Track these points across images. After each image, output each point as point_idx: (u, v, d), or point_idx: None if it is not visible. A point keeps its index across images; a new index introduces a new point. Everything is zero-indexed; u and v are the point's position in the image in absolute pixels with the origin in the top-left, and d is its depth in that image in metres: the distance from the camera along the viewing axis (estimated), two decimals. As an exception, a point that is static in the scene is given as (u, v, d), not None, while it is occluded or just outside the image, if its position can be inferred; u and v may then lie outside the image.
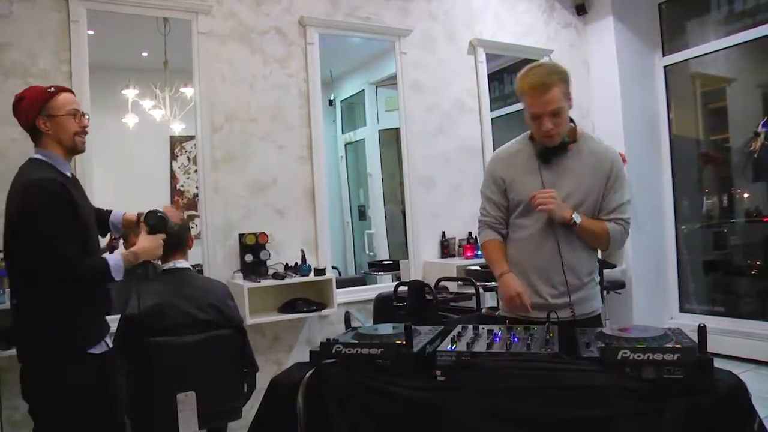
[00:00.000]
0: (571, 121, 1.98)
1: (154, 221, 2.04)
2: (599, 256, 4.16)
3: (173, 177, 3.96)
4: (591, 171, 1.96)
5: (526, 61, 5.00)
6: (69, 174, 1.98)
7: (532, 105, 1.88)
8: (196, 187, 3.48)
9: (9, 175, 2.87)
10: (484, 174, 2.17)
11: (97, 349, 1.91)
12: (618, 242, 2.02)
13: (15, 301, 1.87)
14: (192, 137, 3.53)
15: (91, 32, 3.09)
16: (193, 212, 3.66)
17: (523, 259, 2.00)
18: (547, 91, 1.84)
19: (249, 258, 3.33)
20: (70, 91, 2.00)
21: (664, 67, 4.93)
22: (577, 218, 1.90)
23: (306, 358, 1.61)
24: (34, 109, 1.92)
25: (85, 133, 1.99)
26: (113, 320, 2.48)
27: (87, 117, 1.99)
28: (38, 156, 1.94)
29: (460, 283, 3.49)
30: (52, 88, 1.96)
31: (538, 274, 1.98)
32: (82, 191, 2.03)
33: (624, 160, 4.61)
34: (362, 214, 5.11)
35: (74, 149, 1.97)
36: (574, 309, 1.97)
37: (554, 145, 1.94)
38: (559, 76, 1.88)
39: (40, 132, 1.93)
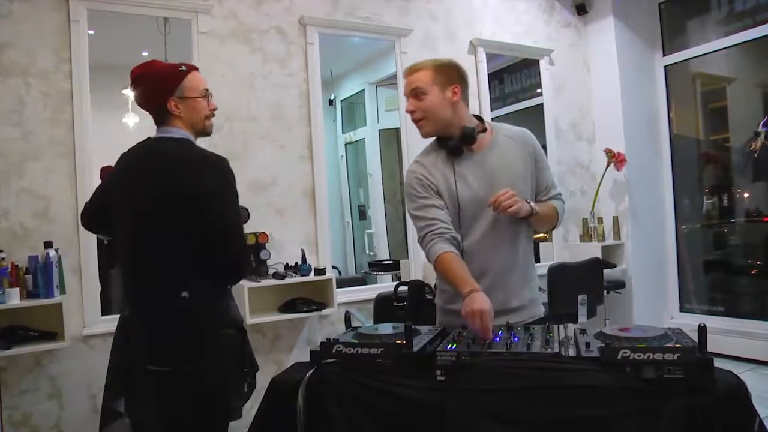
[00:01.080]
0: (479, 119, 1.94)
1: None
2: (599, 255, 4.14)
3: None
4: (515, 157, 1.91)
5: (527, 61, 5.04)
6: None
7: (404, 89, 1.92)
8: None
9: (8, 175, 2.89)
10: (406, 191, 1.93)
11: None
12: (562, 217, 2.02)
13: (185, 294, 1.69)
14: (192, 137, 3.53)
15: (91, 32, 3.10)
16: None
17: (480, 265, 1.83)
18: (412, 72, 1.87)
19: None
20: (197, 69, 1.85)
21: (665, 66, 4.93)
22: (536, 207, 1.83)
23: (306, 358, 1.61)
24: (168, 89, 1.75)
25: (214, 115, 1.87)
26: (113, 320, 2.49)
27: (212, 97, 1.86)
28: (180, 135, 1.77)
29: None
30: (184, 67, 1.80)
31: (492, 281, 1.83)
32: None
33: (624, 160, 4.67)
34: (362, 213, 5.11)
35: (203, 132, 1.85)
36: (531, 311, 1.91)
37: (454, 137, 1.85)
38: (434, 63, 1.87)
39: (170, 113, 1.76)
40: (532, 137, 1.98)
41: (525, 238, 1.93)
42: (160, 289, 1.72)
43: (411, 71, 1.88)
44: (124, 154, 1.86)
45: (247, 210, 1.99)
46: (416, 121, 1.90)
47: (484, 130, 1.91)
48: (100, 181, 3.10)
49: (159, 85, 1.76)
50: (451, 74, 1.88)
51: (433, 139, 1.97)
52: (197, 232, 1.68)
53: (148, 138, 1.82)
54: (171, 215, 1.67)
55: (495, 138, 1.92)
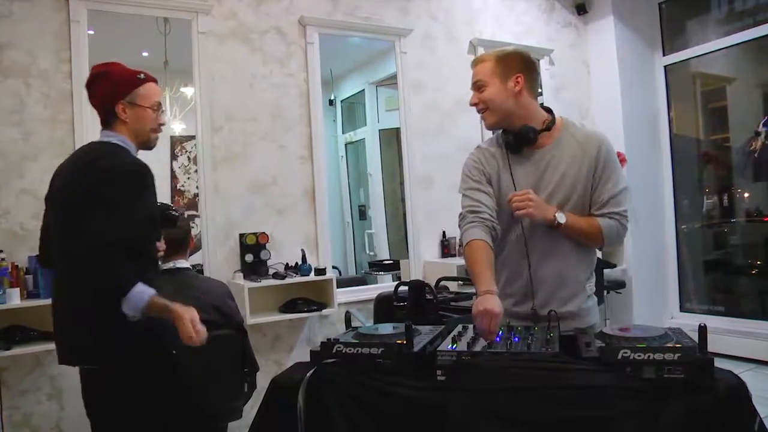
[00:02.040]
0: (549, 111, 1.84)
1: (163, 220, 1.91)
2: (599, 255, 4.14)
3: (173, 177, 3.96)
4: (574, 161, 1.76)
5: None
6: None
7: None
8: (197, 187, 3.48)
9: (9, 175, 2.89)
10: (462, 173, 1.92)
11: None
12: (614, 239, 1.79)
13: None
14: (192, 137, 3.53)
15: (91, 32, 3.10)
16: (193, 212, 3.66)
17: (502, 269, 1.80)
18: (476, 64, 1.85)
19: (249, 258, 3.33)
20: (156, 81, 1.83)
21: (665, 66, 4.94)
22: (561, 218, 1.70)
23: (306, 358, 1.61)
24: (119, 92, 1.75)
25: (160, 130, 1.85)
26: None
27: (164, 113, 1.83)
28: (116, 140, 1.75)
29: (461, 282, 3.49)
30: (142, 75, 1.80)
31: (524, 287, 1.78)
32: None
33: (624, 160, 4.67)
34: (362, 213, 5.11)
35: (147, 144, 1.83)
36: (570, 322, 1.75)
37: (514, 131, 1.79)
38: (496, 54, 1.83)
39: (116, 117, 1.76)
40: (602, 142, 1.79)
41: (569, 248, 1.79)
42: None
43: (474, 63, 1.86)
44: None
45: (175, 216, 1.89)
46: (480, 113, 1.85)
47: (550, 127, 1.80)
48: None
49: (113, 87, 1.75)
50: (513, 64, 1.80)
51: (496, 134, 1.92)
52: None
53: (90, 142, 1.82)
54: (77, 216, 1.62)
55: (560, 137, 1.80)
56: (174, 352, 1.74)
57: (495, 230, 1.76)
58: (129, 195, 1.63)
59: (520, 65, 1.81)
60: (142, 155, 1.84)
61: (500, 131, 1.88)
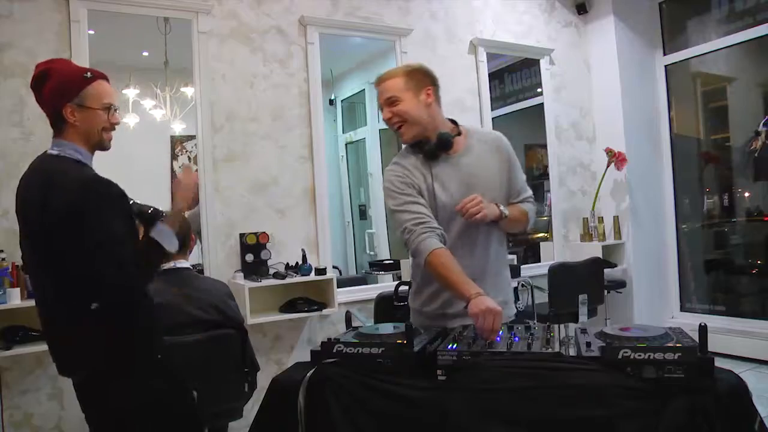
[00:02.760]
0: (453, 122, 1.97)
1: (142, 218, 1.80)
2: (599, 254, 4.14)
3: (174, 177, 3.96)
4: (488, 160, 1.92)
5: (527, 61, 5.04)
6: None
7: (378, 99, 1.92)
8: (197, 187, 3.48)
9: (9, 175, 2.89)
10: (385, 195, 1.91)
11: None
12: (533, 220, 2.01)
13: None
14: (192, 137, 3.53)
15: (91, 32, 3.10)
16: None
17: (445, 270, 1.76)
18: (382, 81, 1.89)
19: (250, 257, 3.33)
20: (107, 78, 1.69)
21: (665, 66, 4.93)
22: (505, 211, 1.86)
23: (307, 358, 1.61)
24: (66, 95, 1.61)
25: (113, 129, 1.71)
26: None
27: (117, 111, 1.71)
28: (70, 152, 1.64)
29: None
30: (89, 74, 1.65)
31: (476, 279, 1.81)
32: None
33: (624, 160, 4.67)
34: (363, 213, 5.11)
35: (100, 145, 1.70)
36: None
37: (431, 141, 1.86)
38: (404, 70, 1.90)
39: (65, 121, 1.62)
40: (506, 141, 1.99)
41: (497, 241, 1.94)
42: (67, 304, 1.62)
43: (381, 81, 1.90)
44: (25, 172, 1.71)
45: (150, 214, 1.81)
46: (397, 128, 1.91)
47: (459, 133, 1.94)
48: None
49: (59, 89, 1.61)
50: (420, 77, 1.90)
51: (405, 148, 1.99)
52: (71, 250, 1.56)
53: (43, 153, 1.69)
54: (51, 233, 1.58)
55: (469, 142, 1.94)
56: (159, 356, 1.71)
57: (443, 238, 1.80)
58: (105, 216, 1.57)
59: (427, 79, 1.92)
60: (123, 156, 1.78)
61: (406, 145, 1.97)
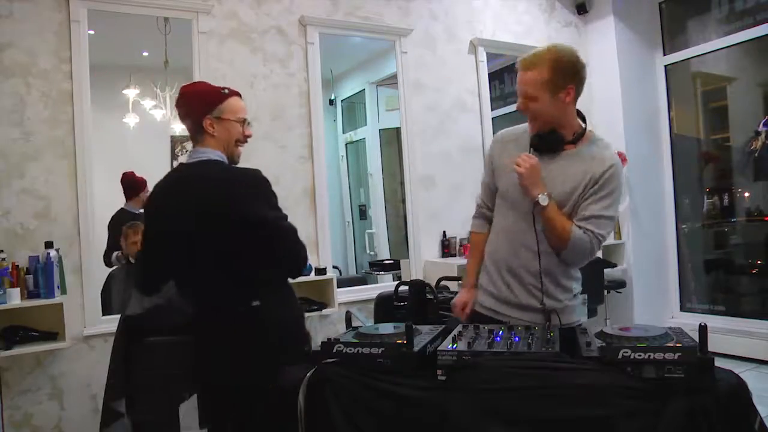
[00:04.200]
0: (583, 120, 1.84)
1: None
2: (599, 254, 4.12)
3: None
4: (579, 173, 1.77)
5: (527, 61, 4.99)
6: None
7: (517, 81, 1.78)
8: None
9: (9, 175, 2.89)
10: (486, 156, 2.07)
11: None
12: (578, 253, 1.77)
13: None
14: (192, 137, 3.53)
15: (91, 32, 3.10)
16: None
17: (499, 253, 1.90)
18: (526, 69, 1.75)
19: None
20: (240, 95, 1.95)
21: (665, 66, 4.93)
22: (543, 200, 1.72)
23: (307, 358, 1.61)
24: (205, 108, 1.83)
25: (246, 141, 1.92)
26: (113, 320, 2.49)
27: (250, 125, 1.93)
28: (215, 157, 1.82)
29: (461, 282, 3.49)
30: (227, 90, 1.90)
31: (511, 273, 1.85)
32: None
33: (624, 159, 4.66)
34: (363, 213, 5.11)
35: (231, 158, 1.88)
36: (550, 315, 1.80)
37: (544, 134, 1.79)
38: (551, 61, 1.72)
39: (204, 132, 1.82)
40: (610, 165, 1.76)
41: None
42: (229, 303, 1.79)
43: (525, 67, 1.75)
44: (159, 183, 1.88)
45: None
46: (530, 120, 1.83)
47: (576, 141, 1.81)
48: (100, 181, 3.11)
49: (198, 103, 1.83)
50: (567, 74, 1.74)
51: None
52: (245, 243, 1.75)
53: (181, 164, 1.90)
54: (215, 233, 1.73)
55: (581, 148, 1.81)
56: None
57: (490, 218, 2.00)
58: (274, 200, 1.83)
59: (573, 75, 1.75)
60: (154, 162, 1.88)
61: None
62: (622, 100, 4.75)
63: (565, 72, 1.74)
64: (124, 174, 3.45)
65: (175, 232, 1.78)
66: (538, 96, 1.74)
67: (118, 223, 3.27)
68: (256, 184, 1.79)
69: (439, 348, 1.46)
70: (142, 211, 2.20)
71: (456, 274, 3.66)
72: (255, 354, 1.74)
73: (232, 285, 1.78)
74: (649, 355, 1.27)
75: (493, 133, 4.36)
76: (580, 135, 1.82)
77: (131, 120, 3.68)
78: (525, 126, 1.90)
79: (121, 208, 3.42)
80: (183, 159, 1.92)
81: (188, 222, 1.74)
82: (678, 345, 1.29)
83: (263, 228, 1.77)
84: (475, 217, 2.05)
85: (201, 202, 1.74)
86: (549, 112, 1.77)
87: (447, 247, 4.12)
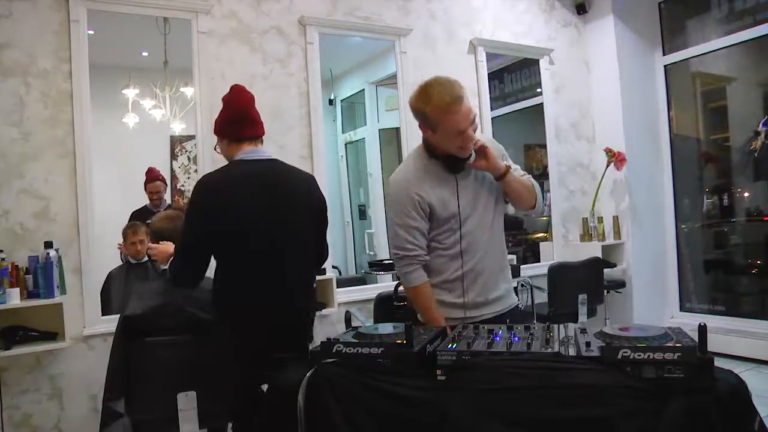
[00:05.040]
0: None
1: None
2: (599, 254, 4.13)
3: (174, 177, 3.95)
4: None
5: (527, 60, 5.03)
6: None
7: (456, 120, 1.81)
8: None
9: (9, 175, 2.89)
10: (393, 205, 1.99)
11: None
12: (540, 194, 2.08)
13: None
14: (192, 137, 3.53)
15: (91, 32, 3.09)
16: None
17: (451, 270, 1.98)
18: (462, 101, 1.82)
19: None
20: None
21: (665, 66, 4.93)
22: (512, 165, 1.99)
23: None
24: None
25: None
26: (113, 320, 2.49)
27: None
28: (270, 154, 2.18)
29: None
30: None
31: (472, 281, 1.99)
32: None
33: (624, 160, 4.67)
34: (362, 213, 5.11)
35: None
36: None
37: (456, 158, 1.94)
38: (462, 88, 1.86)
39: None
40: (491, 142, 2.06)
41: (499, 239, 2.07)
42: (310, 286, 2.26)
43: (461, 101, 1.83)
44: (240, 175, 2.05)
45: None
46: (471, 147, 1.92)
47: None
48: (99, 181, 3.11)
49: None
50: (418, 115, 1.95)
51: (421, 148, 2.01)
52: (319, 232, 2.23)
53: (270, 160, 2.14)
54: (310, 222, 2.16)
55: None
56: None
57: (427, 266, 2.01)
58: None
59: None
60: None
61: (422, 150, 2.01)
62: (621, 100, 4.75)
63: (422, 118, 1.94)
64: (150, 170, 3.58)
65: (266, 224, 2.02)
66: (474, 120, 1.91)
67: (141, 219, 3.36)
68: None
69: (438, 348, 1.47)
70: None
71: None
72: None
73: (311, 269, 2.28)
74: (649, 355, 1.27)
75: (493, 134, 4.39)
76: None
77: (131, 120, 3.67)
78: (413, 157, 2.03)
79: (145, 205, 3.50)
80: (242, 157, 2.07)
81: (292, 213, 2.07)
82: (678, 345, 1.29)
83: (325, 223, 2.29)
84: (412, 270, 1.96)
85: (306, 195, 2.15)
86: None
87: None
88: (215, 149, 2.20)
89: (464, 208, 1.96)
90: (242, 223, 1.99)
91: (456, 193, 1.96)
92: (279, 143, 3.60)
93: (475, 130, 1.89)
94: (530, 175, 2.10)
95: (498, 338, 1.53)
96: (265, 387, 1.92)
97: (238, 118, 2.11)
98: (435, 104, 1.82)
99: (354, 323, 1.82)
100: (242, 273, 2.04)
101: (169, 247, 2.22)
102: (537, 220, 4.92)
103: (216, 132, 2.17)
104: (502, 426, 1.30)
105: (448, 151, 1.93)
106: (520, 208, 2.09)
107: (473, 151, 1.93)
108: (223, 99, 2.18)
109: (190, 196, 2.22)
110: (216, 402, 2.23)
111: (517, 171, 2.05)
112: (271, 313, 2.04)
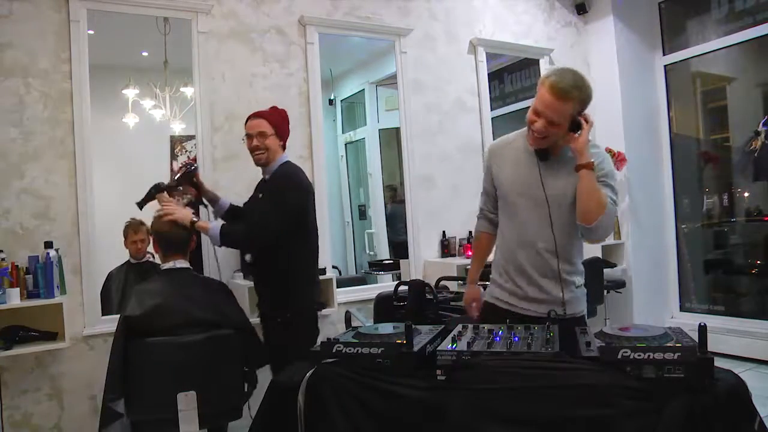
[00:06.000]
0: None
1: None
2: (599, 254, 4.12)
3: (173, 177, 3.96)
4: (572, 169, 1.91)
5: (527, 61, 5.03)
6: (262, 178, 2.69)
7: (543, 102, 1.81)
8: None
9: (9, 175, 2.89)
10: (486, 162, 2.20)
11: None
12: (611, 217, 1.87)
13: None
14: (192, 137, 3.53)
15: (91, 32, 3.09)
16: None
17: (511, 252, 1.99)
18: (564, 99, 1.79)
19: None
20: (253, 116, 2.60)
21: (665, 66, 4.93)
22: (603, 176, 1.87)
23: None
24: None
25: (254, 152, 2.56)
26: (113, 320, 2.49)
27: (248, 140, 2.57)
28: None
29: (461, 282, 3.49)
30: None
31: (522, 270, 1.96)
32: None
33: (624, 160, 4.66)
34: (362, 213, 5.11)
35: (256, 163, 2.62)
36: (565, 307, 1.91)
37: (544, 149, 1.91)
38: (581, 98, 1.82)
39: None
40: (603, 157, 1.97)
41: (570, 239, 1.95)
42: None
43: (558, 96, 1.79)
44: (301, 172, 2.60)
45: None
46: (537, 138, 1.88)
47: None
48: (99, 181, 3.11)
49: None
50: (584, 106, 1.88)
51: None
52: None
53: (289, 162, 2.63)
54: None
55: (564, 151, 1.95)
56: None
57: (494, 221, 2.14)
58: None
59: (585, 107, 1.89)
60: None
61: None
62: (621, 100, 4.75)
63: (584, 109, 1.88)
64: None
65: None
66: (561, 125, 1.84)
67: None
68: None
69: (438, 348, 1.47)
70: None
71: (456, 274, 3.66)
72: None
73: None
74: (649, 355, 1.27)
75: (493, 133, 4.39)
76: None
77: (131, 120, 3.68)
78: (516, 134, 2.07)
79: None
80: (287, 159, 2.64)
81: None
82: (677, 345, 1.29)
83: None
84: (479, 218, 2.21)
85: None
86: (560, 138, 1.88)
87: (447, 247, 4.12)
88: (243, 140, 2.62)
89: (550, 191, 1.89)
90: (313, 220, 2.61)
91: (537, 175, 1.91)
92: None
93: (577, 138, 1.84)
94: (613, 201, 1.89)
95: (498, 338, 1.53)
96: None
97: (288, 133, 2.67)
98: (547, 80, 1.82)
99: (354, 323, 1.83)
100: (313, 271, 2.66)
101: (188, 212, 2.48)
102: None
103: (283, 133, 2.61)
104: (502, 426, 1.30)
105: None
106: (578, 217, 1.86)
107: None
108: (283, 111, 2.65)
109: (279, 182, 2.51)
110: (216, 401, 2.24)
111: (605, 183, 1.89)
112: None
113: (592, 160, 1.83)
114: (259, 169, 2.64)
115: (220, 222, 2.56)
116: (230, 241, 2.51)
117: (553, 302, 1.91)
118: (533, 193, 1.93)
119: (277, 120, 2.58)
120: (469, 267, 2.30)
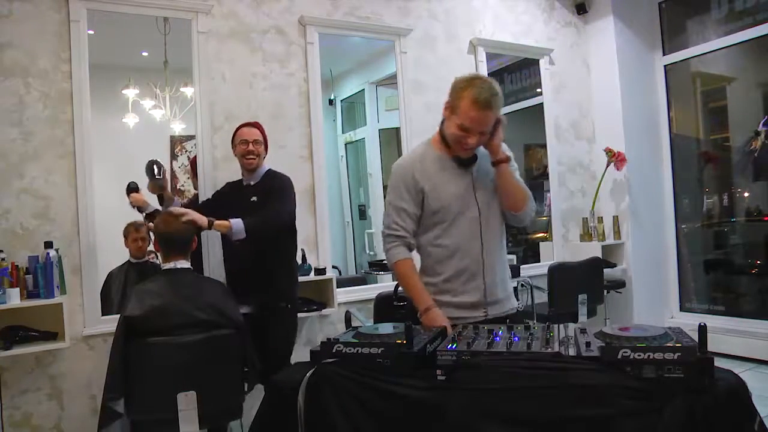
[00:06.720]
0: None
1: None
2: (599, 254, 4.11)
3: (173, 177, 3.96)
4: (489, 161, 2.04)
5: (527, 61, 5.03)
6: (244, 183, 3.03)
7: (469, 118, 1.88)
8: (197, 187, 3.48)
9: (9, 175, 2.89)
10: (393, 183, 2.08)
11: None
12: (531, 200, 2.05)
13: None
14: (192, 137, 3.53)
15: (91, 32, 3.09)
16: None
17: (447, 265, 2.00)
18: (490, 110, 1.87)
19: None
20: (247, 125, 3.02)
21: (665, 66, 4.93)
22: (508, 153, 2.01)
23: (306, 358, 1.61)
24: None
25: (247, 156, 2.95)
26: (113, 320, 2.49)
27: (243, 145, 2.96)
28: None
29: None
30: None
31: (464, 278, 1.99)
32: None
33: (624, 160, 4.67)
34: (362, 213, 5.11)
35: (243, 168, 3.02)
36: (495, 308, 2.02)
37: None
38: (499, 103, 1.91)
39: None
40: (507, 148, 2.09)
41: (500, 236, 2.07)
42: None
43: (488, 107, 1.87)
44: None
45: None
46: (466, 150, 1.96)
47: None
48: (99, 181, 3.11)
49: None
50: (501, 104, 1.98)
51: (437, 137, 2.06)
52: None
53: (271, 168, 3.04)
54: None
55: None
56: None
57: (412, 246, 2.07)
58: None
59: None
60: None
61: (438, 139, 2.07)
62: (621, 100, 4.75)
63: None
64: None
65: None
66: (488, 131, 1.94)
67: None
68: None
69: (438, 348, 1.47)
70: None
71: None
72: None
73: None
74: (649, 355, 1.27)
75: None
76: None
77: (131, 120, 3.67)
78: (422, 147, 2.10)
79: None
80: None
81: None
82: (677, 345, 1.29)
83: None
84: (394, 245, 2.03)
85: None
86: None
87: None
88: (235, 146, 3.03)
89: (465, 203, 1.99)
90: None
91: (467, 184, 2.00)
92: (279, 143, 3.60)
93: (490, 145, 1.97)
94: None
95: (498, 338, 1.54)
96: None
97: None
98: (471, 95, 1.87)
99: (354, 323, 1.83)
100: (295, 265, 3.08)
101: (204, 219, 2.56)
102: (537, 220, 4.91)
103: (267, 144, 3.07)
104: (502, 426, 1.31)
105: (449, 140, 1.99)
106: (507, 207, 2.01)
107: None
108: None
109: (278, 181, 2.97)
110: (216, 402, 2.24)
111: (517, 173, 2.06)
112: None
113: (508, 154, 1.99)
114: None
115: (237, 219, 2.64)
116: (255, 228, 2.64)
117: (492, 304, 2.00)
118: (468, 202, 1.99)
119: (263, 133, 3.02)
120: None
